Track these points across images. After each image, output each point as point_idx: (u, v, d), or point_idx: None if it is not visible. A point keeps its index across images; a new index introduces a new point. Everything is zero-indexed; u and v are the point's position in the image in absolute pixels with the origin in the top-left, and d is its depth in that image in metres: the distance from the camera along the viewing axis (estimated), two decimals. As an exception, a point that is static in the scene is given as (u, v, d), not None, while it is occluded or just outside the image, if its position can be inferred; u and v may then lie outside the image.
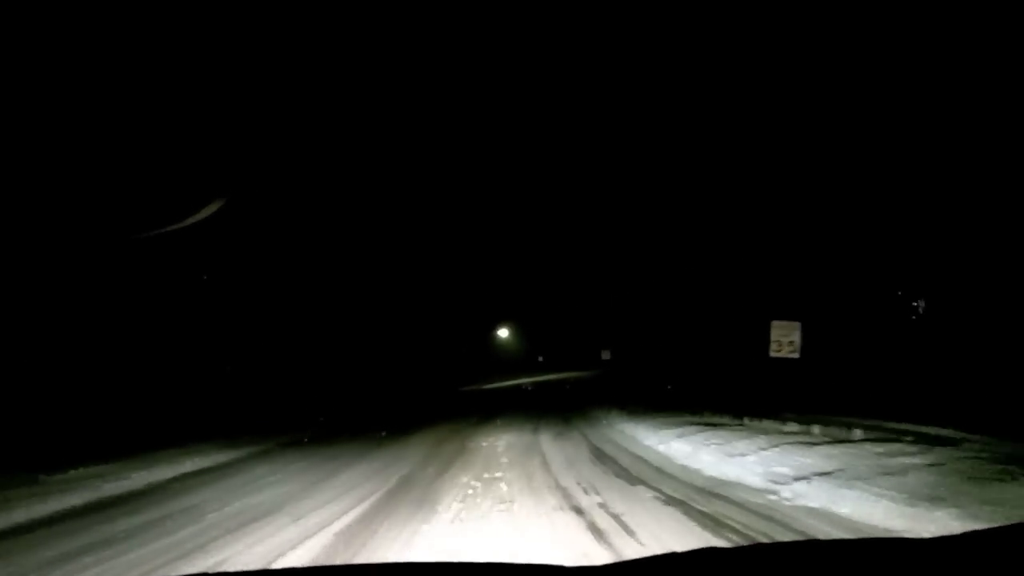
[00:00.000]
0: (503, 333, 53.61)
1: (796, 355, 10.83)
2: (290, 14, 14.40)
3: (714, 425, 11.68)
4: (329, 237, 27.88)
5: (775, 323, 10.88)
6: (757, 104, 17.08)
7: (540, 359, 56.01)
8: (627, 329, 31.90)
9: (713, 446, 9.17)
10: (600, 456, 9.85)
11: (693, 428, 11.32)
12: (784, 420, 11.20)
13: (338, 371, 29.10)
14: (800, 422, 10.75)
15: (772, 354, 11.10)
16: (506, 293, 50.12)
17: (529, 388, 33.12)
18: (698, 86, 18.83)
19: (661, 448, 9.96)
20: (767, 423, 11.34)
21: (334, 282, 29.59)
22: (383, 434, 13.80)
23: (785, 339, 10.88)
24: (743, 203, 21.10)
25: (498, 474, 8.53)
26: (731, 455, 8.34)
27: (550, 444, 11.57)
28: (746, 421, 11.92)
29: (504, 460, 9.83)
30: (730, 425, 11.66)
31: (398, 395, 29.28)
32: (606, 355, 29.62)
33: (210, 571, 4.37)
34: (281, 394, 21.37)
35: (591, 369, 45.87)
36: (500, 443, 12.02)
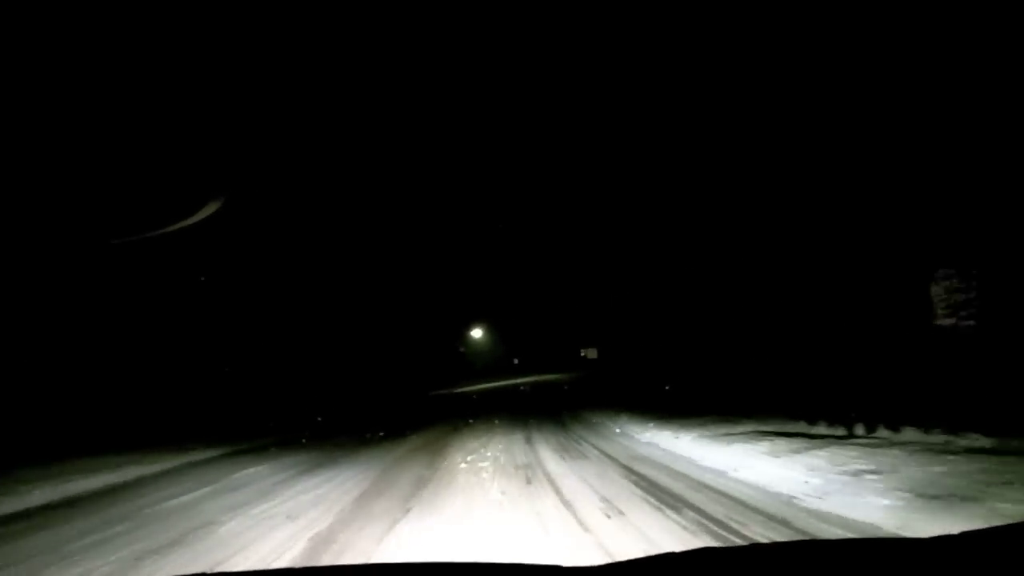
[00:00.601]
0: (476, 334, 49.60)
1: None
2: (278, 21, 14.06)
3: (795, 435, 8.04)
4: (285, 232, 24.45)
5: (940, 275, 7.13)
6: (744, 87, 15.18)
7: (515, 361, 52.19)
8: (616, 326, 28.33)
9: (871, 479, 5.45)
10: (659, 497, 5.86)
11: (777, 442, 7.66)
12: (897, 429, 7.60)
13: (300, 373, 25.42)
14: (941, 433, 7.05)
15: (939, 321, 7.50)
16: (479, 292, 46.22)
17: (521, 389, 29.38)
18: (675, 70, 17.07)
19: (752, 477, 6.24)
20: (905, 433, 7.41)
21: (294, 280, 25.96)
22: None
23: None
24: (739, 187, 18.05)
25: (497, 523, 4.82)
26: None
27: (558, 465, 7.86)
28: (858, 430, 8.03)
29: (497, 494, 6.11)
30: (829, 437, 7.92)
31: (362, 400, 25.34)
32: (592, 354, 25.93)
33: (208, 571, 4.10)
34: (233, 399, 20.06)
35: (571, 371, 42.34)
36: (485, 462, 8.28)
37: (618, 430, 11.36)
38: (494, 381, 41.43)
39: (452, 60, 19.24)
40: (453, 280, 43.79)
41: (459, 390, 35.79)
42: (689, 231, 22.54)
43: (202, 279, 19.69)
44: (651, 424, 11.15)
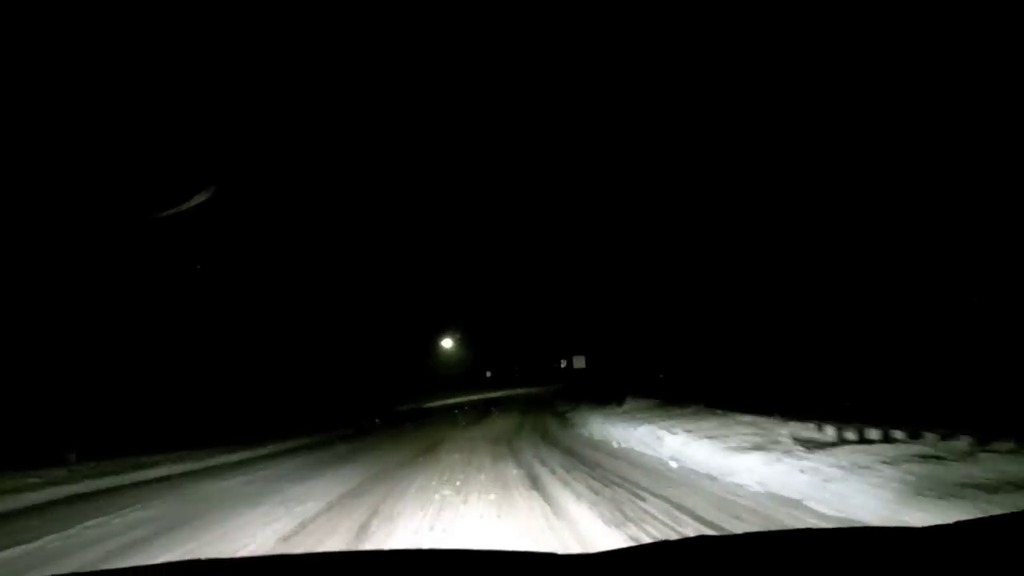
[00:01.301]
0: (447, 343, 46.30)
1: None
2: (269, 13, 14.04)
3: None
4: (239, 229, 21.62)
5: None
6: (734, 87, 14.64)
7: (488, 374, 49.11)
8: (607, 331, 25.58)
9: None
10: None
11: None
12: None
13: (257, 384, 22.18)
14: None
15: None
16: (449, 297, 43.11)
17: (494, 402, 26.30)
18: (655, 74, 16.90)
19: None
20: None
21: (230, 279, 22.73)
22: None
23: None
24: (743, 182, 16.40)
25: None
26: None
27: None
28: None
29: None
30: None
31: (315, 416, 22.01)
32: (579, 363, 22.89)
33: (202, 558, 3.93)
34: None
35: (548, 384, 39.49)
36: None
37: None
38: (469, 394, 38.31)
39: (425, 60, 19.05)
40: (422, 284, 40.67)
41: (431, 404, 32.68)
42: (678, 230, 20.37)
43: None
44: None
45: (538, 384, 41.20)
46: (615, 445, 9.79)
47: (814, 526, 3.85)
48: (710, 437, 7.70)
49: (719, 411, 10.32)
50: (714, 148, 16.66)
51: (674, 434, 8.52)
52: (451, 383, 44.14)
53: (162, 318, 18.77)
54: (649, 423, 10.10)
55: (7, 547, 5.39)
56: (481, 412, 22.21)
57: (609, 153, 22.69)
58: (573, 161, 25.98)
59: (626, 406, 13.82)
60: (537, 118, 24.33)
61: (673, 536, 4.12)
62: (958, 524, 1.41)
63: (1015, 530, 1.34)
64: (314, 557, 1.74)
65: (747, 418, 8.84)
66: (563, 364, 41.91)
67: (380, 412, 28.17)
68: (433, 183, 32.72)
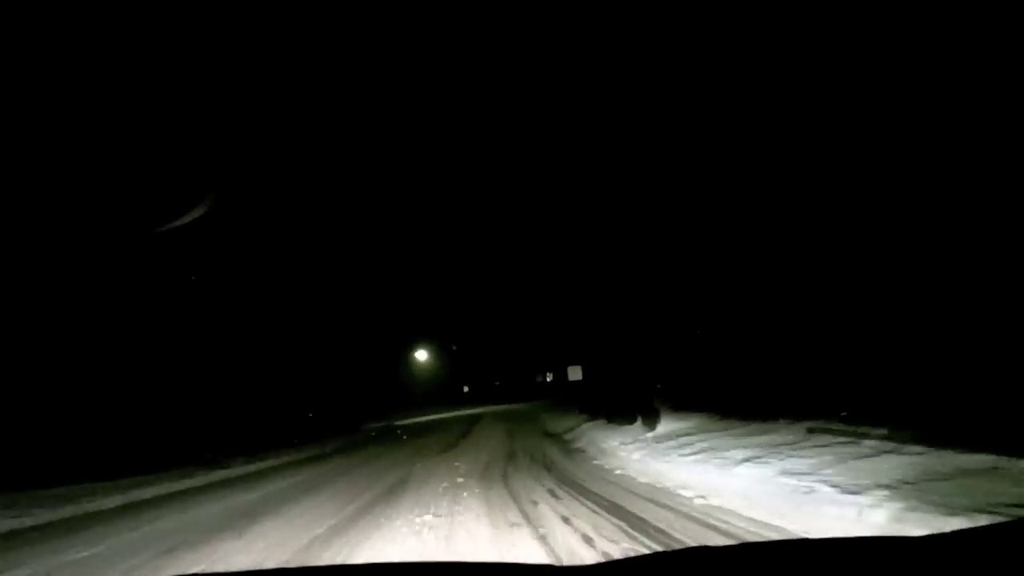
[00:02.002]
0: (421, 356, 42.80)
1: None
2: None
3: None
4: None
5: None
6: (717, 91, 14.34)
7: (466, 389, 45.73)
8: (605, 342, 22.52)
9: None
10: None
11: None
12: None
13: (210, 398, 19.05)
14: None
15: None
16: (424, 308, 39.75)
17: (474, 419, 23.05)
18: (641, 78, 16.37)
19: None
20: None
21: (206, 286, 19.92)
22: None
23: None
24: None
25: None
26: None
27: None
28: None
29: None
30: None
31: (262, 438, 18.68)
32: (576, 375, 19.80)
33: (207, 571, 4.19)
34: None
35: (531, 399, 36.40)
36: None
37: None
38: (445, 411, 35.00)
39: (402, 56, 18.46)
40: (394, 292, 37.30)
41: (404, 422, 29.36)
42: (676, 228, 17.98)
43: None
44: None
45: (520, 399, 37.98)
46: (700, 502, 5.75)
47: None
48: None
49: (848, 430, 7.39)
50: (713, 148, 15.31)
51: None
52: (425, 399, 40.72)
53: (109, 329, 16.94)
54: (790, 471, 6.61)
55: None
56: (460, 432, 19.03)
57: (595, 150, 20.69)
58: (557, 159, 23.57)
59: (661, 428, 10.78)
60: (515, 115, 22.35)
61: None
62: (957, 533, 1.39)
63: (1013, 539, 1.33)
64: (315, 571, 1.78)
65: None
66: (549, 378, 38.81)
67: (343, 431, 24.81)
68: (407, 182, 29.64)
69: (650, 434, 10.38)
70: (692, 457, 7.77)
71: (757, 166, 13.58)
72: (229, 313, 21.63)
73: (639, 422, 11.90)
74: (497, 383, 46.20)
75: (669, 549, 1.42)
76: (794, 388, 10.71)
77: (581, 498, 6.47)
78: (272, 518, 6.99)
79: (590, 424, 15.36)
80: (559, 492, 7.00)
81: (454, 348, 44.53)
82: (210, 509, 8.37)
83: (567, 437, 14.86)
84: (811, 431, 7.86)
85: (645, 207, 18.71)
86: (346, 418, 29.07)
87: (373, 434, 23.64)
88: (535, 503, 6.39)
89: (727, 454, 7.38)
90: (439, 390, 42.69)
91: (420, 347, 41.89)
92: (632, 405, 12.81)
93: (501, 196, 29.17)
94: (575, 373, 19.61)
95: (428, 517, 6.14)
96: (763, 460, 6.65)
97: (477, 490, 7.62)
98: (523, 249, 31.98)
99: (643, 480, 7.18)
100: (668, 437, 9.60)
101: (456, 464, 10.76)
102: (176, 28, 11.62)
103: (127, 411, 16.93)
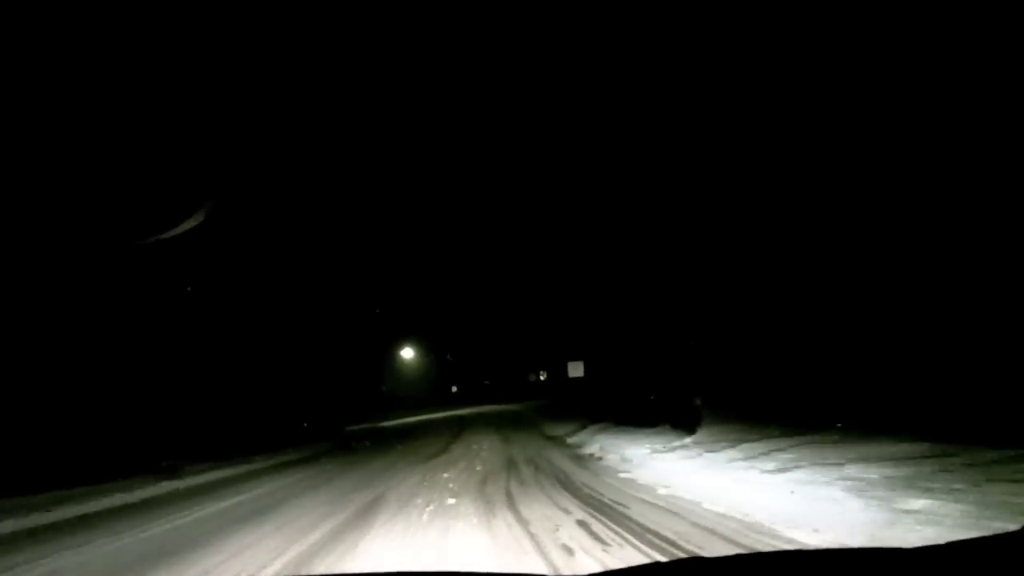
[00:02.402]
0: (407, 354, 40.58)
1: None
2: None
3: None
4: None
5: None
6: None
7: (454, 389, 43.59)
8: (610, 336, 20.48)
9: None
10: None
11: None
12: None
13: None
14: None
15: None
16: (410, 304, 37.49)
17: (464, 421, 20.95)
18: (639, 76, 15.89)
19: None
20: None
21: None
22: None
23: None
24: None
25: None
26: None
27: None
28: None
29: None
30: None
31: (234, 441, 16.51)
32: (578, 371, 17.68)
33: None
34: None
35: (524, 399, 34.36)
36: None
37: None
38: (427, 412, 32.86)
39: (381, 55, 18.15)
40: (379, 288, 35.02)
41: (388, 423, 27.28)
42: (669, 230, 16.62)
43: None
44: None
45: (512, 400, 35.89)
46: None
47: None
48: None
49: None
50: (726, 141, 14.90)
51: None
52: (412, 399, 38.57)
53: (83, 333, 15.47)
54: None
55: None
56: (450, 435, 16.98)
57: (584, 144, 19.81)
58: (547, 153, 22.04)
59: (701, 434, 8.74)
60: (495, 109, 21.19)
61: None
62: (949, 544, 1.32)
63: (1006, 550, 1.32)
64: None
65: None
66: (543, 376, 36.79)
67: (321, 435, 22.64)
68: (390, 173, 27.49)
69: (688, 439, 8.38)
70: (786, 476, 5.76)
71: (760, 167, 13.35)
72: (197, 307, 19.40)
73: (665, 425, 9.93)
74: (487, 382, 44.02)
75: (662, 561, 1.16)
76: (831, 394, 9.72)
77: (635, 540, 4.46)
78: (188, 564, 4.94)
79: (597, 427, 13.39)
80: (594, 525, 5.00)
81: (449, 358, 42.60)
82: (120, 542, 6.29)
83: (571, 441, 12.88)
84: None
85: (654, 198, 17.36)
86: (326, 420, 26.87)
87: (353, 439, 21.52)
88: (568, 550, 4.36)
89: (850, 473, 5.40)
90: (426, 390, 40.52)
91: (406, 345, 39.67)
92: (658, 405, 10.84)
93: (486, 182, 27.18)
94: (576, 369, 17.55)
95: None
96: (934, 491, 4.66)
97: (475, 519, 5.61)
98: (514, 239, 29.98)
99: (715, 510, 5.13)
100: (721, 444, 7.59)
101: (445, 476, 8.73)
102: (169, 38, 11.62)
103: (80, 415, 14.90)
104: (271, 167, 21.10)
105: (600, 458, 9.34)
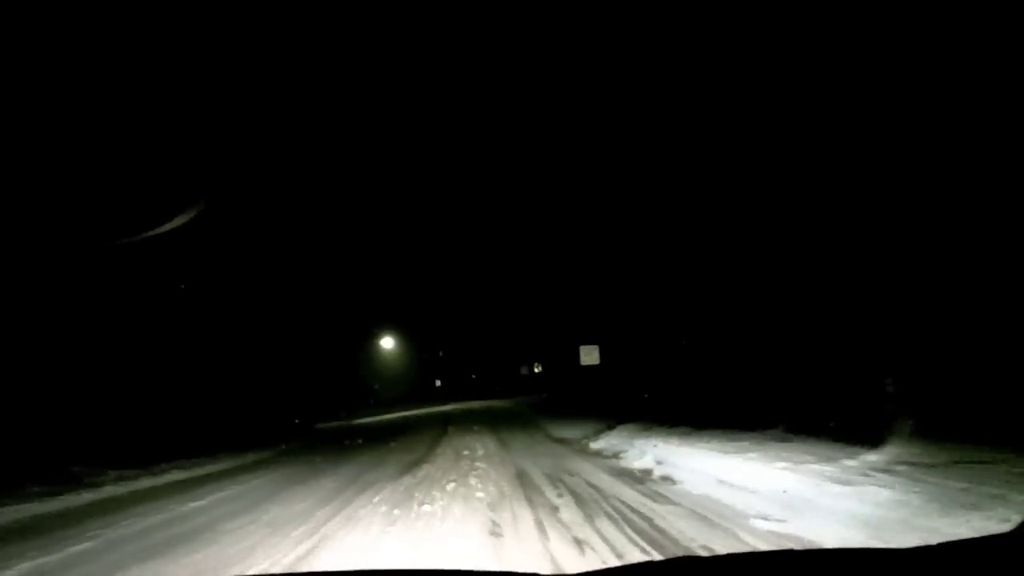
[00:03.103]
0: (386, 344, 37.02)
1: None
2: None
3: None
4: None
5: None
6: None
7: (438, 383, 40.19)
8: (625, 316, 17.09)
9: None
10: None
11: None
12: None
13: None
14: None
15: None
16: (389, 292, 33.91)
17: (448, 419, 17.62)
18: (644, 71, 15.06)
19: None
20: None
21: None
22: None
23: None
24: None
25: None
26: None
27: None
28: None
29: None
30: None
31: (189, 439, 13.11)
32: (590, 358, 14.50)
33: None
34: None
35: (516, 394, 31.15)
36: None
37: None
38: (408, 408, 29.48)
39: (369, 51, 17.17)
40: (355, 274, 31.45)
41: (363, 420, 23.96)
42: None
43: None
44: None
45: (502, 395, 32.61)
46: None
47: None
48: None
49: None
50: (730, 135, 14.21)
51: None
52: (392, 393, 35.19)
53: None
54: None
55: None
56: (434, 436, 13.65)
57: (573, 137, 18.05)
58: (533, 141, 19.69)
59: (900, 448, 5.41)
60: (487, 94, 19.08)
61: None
62: (942, 545, 1.33)
63: (999, 550, 1.32)
64: None
65: None
66: (537, 369, 33.53)
67: (288, 433, 19.25)
68: (369, 157, 24.22)
69: (877, 456, 5.11)
70: None
71: (761, 163, 12.99)
72: (144, 291, 15.87)
73: (777, 429, 6.73)
74: (474, 376, 40.64)
75: (656, 559, 1.40)
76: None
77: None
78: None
79: (635, 427, 10.19)
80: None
81: (441, 354, 39.27)
82: None
83: (595, 446, 9.65)
84: None
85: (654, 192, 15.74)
86: (295, 416, 23.43)
87: (320, 438, 18.13)
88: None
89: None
90: (408, 384, 37.09)
91: (386, 335, 36.12)
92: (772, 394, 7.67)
93: (477, 175, 24.06)
94: (590, 355, 14.30)
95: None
96: None
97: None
98: (503, 222, 26.70)
99: None
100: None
101: (429, 504, 5.43)
102: (165, 34, 11.47)
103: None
104: (246, 151, 18.68)
105: (668, 478, 6.07)
